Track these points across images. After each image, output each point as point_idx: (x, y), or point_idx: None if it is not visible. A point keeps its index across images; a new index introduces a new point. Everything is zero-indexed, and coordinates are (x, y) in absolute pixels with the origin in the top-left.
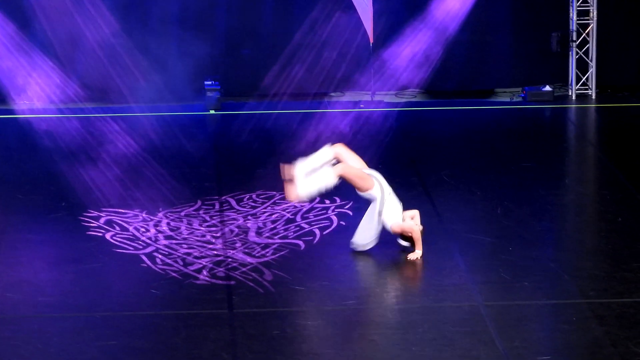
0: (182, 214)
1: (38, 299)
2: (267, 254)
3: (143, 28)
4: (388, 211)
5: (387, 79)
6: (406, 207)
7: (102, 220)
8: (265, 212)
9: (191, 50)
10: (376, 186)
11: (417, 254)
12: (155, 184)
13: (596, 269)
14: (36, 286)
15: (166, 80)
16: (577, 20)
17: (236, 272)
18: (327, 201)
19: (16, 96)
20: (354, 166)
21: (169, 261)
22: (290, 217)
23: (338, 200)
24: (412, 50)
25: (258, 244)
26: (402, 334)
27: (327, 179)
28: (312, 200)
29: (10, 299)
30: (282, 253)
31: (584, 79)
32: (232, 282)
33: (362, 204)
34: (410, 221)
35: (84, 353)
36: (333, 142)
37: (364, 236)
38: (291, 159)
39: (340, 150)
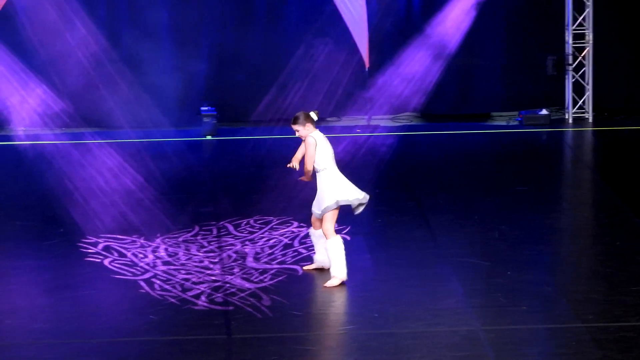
0: (180, 239)
1: (34, 326)
2: (265, 280)
3: (138, 54)
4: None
5: (383, 103)
6: (401, 231)
7: (100, 246)
8: (263, 238)
9: (187, 76)
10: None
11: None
12: (153, 210)
13: (594, 292)
14: (32, 313)
15: (162, 105)
16: (573, 43)
17: (234, 298)
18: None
19: (12, 122)
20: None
21: (167, 287)
22: (288, 242)
23: (336, 225)
24: (408, 74)
25: (256, 270)
26: (399, 359)
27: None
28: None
29: (6, 326)
30: (280, 278)
31: (580, 102)
32: (230, 308)
33: (359, 228)
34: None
35: None
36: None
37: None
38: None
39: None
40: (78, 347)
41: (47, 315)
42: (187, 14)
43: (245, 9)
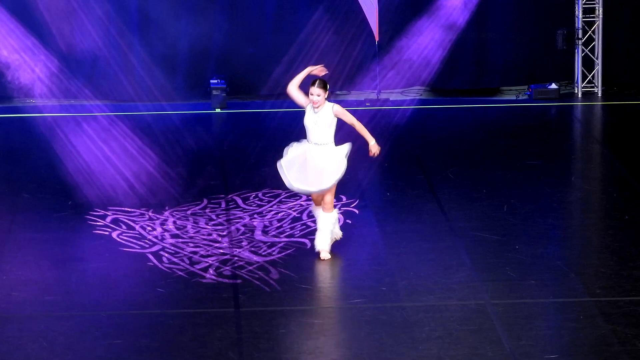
0: (189, 212)
1: (44, 298)
2: (274, 253)
3: (147, 26)
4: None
5: (393, 77)
6: (411, 205)
7: (108, 219)
8: (271, 211)
9: (197, 49)
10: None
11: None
12: (162, 182)
13: (603, 266)
14: (42, 285)
15: (171, 78)
16: (583, 17)
17: (242, 271)
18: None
19: (20, 93)
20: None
21: (175, 260)
22: (297, 215)
23: (344, 198)
24: (418, 48)
25: (264, 243)
26: (408, 333)
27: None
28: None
29: (16, 298)
30: (288, 252)
31: (589, 76)
32: (239, 281)
33: (368, 202)
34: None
35: (90, 352)
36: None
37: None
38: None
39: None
40: (88, 319)
41: (57, 287)
42: None
43: None
